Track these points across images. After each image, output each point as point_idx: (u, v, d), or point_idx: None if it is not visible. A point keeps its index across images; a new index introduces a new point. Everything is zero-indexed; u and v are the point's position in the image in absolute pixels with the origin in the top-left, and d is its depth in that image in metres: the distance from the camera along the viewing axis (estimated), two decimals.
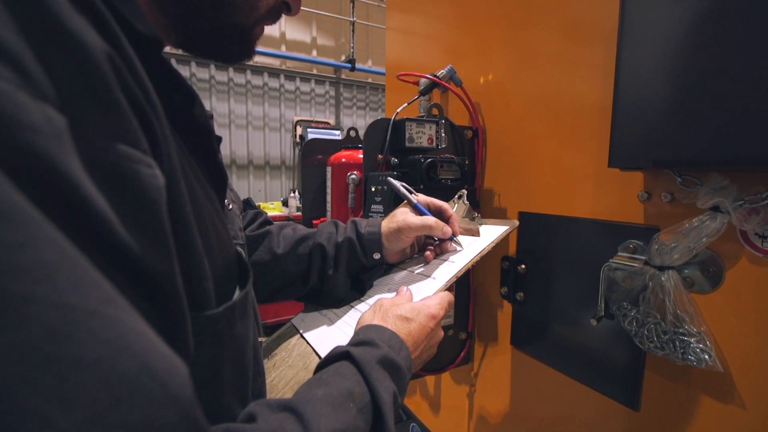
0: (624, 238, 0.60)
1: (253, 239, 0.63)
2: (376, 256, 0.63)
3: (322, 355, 0.52)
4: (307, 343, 0.58)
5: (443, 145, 0.85)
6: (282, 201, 4.04)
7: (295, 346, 0.59)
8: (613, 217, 0.64)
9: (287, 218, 3.55)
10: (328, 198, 1.62)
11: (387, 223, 0.63)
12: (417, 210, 0.64)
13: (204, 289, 0.28)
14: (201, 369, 0.28)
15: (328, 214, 1.60)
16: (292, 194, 3.79)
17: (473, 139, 0.90)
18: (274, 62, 4.30)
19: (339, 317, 0.61)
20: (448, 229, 0.62)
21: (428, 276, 0.60)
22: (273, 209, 3.87)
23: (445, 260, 0.63)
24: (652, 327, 0.53)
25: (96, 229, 0.18)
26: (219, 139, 0.42)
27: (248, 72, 4.16)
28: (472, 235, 0.68)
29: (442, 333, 0.53)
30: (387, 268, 0.68)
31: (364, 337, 0.43)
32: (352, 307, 0.62)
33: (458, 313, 0.91)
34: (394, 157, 0.83)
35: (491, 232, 0.67)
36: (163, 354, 0.19)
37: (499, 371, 0.89)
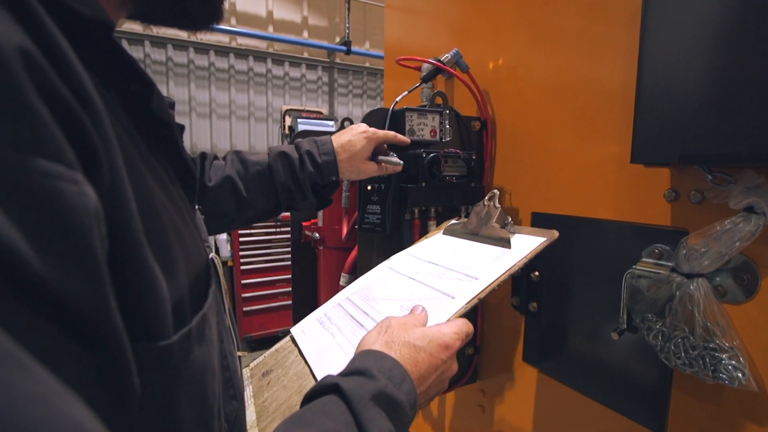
0: (649, 242, 0.60)
1: (216, 192, 0.73)
2: (333, 178, 0.79)
3: (319, 378, 0.51)
4: (305, 362, 0.58)
5: (448, 138, 0.85)
6: None
7: (293, 364, 0.59)
8: (636, 218, 0.64)
9: (275, 219, 3.55)
10: None
11: (343, 156, 0.78)
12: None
13: (159, 316, 0.27)
14: (153, 407, 0.27)
15: (320, 215, 1.61)
16: None
17: (481, 131, 0.90)
18: (260, 45, 4.30)
19: (342, 332, 0.60)
20: (399, 165, 0.78)
21: (446, 294, 0.58)
22: None
23: (467, 275, 0.61)
24: (680, 341, 0.53)
25: (4, 263, 0.16)
26: (181, 127, 0.41)
27: (231, 56, 4.16)
28: (503, 246, 0.65)
29: (456, 367, 0.51)
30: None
31: (360, 365, 0.42)
32: (356, 320, 0.61)
33: None
34: (393, 152, 0.83)
35: (524, 245, 0.63)
36: None
37: (510, 390, 0.89)
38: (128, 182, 0.25)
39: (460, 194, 0.84)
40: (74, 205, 0.19)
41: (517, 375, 0.87)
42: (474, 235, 0.72)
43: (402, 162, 0.80)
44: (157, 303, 0.27)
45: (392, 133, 0.80)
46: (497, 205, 0.71)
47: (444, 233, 0.78)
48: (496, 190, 0.72)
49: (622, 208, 0.67)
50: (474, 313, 0.92)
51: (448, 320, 0.53)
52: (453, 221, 0.80)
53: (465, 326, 0.51)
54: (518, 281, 0.83)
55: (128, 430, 0.24)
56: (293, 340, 0.65)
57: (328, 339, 0.60)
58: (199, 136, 4.05)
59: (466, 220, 0.76)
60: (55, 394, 0.17)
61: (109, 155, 0.23)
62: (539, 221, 0.79)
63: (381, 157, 0.80)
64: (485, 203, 0.73)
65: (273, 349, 0.65)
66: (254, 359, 0.65)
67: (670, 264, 0.56)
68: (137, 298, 0.25)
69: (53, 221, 0.18)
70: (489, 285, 0.57)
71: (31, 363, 0.16)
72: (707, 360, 0.51)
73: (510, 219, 0.70)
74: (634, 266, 0.60)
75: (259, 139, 4.37)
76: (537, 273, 0.79)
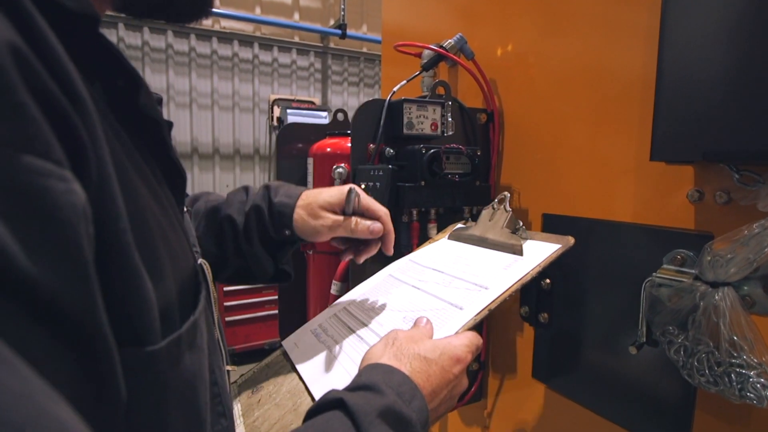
0: (670, 247, 0.60)
1: None
2: (287, 232, 0.64)
3: (317, 396, 0.51)
4: (300, 378, 0.58)
5: (450, 132, 0.85)
6: None
7: (286, 380, 0.59)
8: (657, 221, 0.64)
9: None
10: None
11: (300, 211, 0.64)
12: (346, 202, 0.62)
13: (147, 320, 0.28)
14: (140, 417, 0.28)
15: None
16: None
17: (487, 124, 0.90)
18: (247, 27, 4.30)
19: (340, 346, 0.60)
20: (376, 227, 0.61)
21: (453, 304, 0.59)
22: None
23: (476, 284, 0.61)
24: (704, 357, 0.53)
25: None
26: (170, 124, 0.42)
27: (214, 40, 4.16)
28: (514, 254, 0.65)
29: (467, 382, 0.52)
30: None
31: (366, 379, 0.42)
32: (355, 333, 0.61)
33: None
34: (389, 147, 0.83)
35: (537, 252, 0.63)
36: None
37: (518, 409, 0.89)
38: (116, 181, 0.26)
39: (463, 194, 0.84)
40: (63, 203, 0.20)
41: (525, 393, 0.87)
42: (482, 240, 0.72)
43: (381, 228, 0.62)
44: (144, 307, 0.28)
45: (374, 204, 0.63)
46: (508, 208, 0.71)
47: (449, 238, 0.78)
48: (506, 192, 0.72)
49: (641, 209, 0.67)
50: (479, 324, 0.92)
51: (456, 333, 0.53)
52: (459, 225, 0.80)
53: (476, 339, 0.53)
54: (528, 290, 0.83)
55: None
56: (285, 354, 0.65)
57: (324, 353, 0.60)
58: (179, 128, 4.04)
59: (473, 224, 0.76)
60: (41, 393, 0.18)
61: (97, 153, 0.24)
62: (550, 224, 0.79)
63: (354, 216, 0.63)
64: (494, 206, 0.73)
65: (263, 363, 0.65)
66: (242, 374, 0.65)
67: (693, 271, 0.56)
68: (124, 300, 0.26)
69: (41, 219, 0.20)
70: (500, 295, 0.57)
71: (16, 361, 0.18)
72: (733, 377, 0.51)
73: (522, 224, 0.70)
74: (654, 274, 0.60)
75: (245, 132, 4.37)
76: (548, 281, 0.79)
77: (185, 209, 0.47)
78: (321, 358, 0.60)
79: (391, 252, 0.64)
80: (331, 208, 0.62)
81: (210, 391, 0.39)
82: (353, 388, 0.42)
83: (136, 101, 0.33)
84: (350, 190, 0.61)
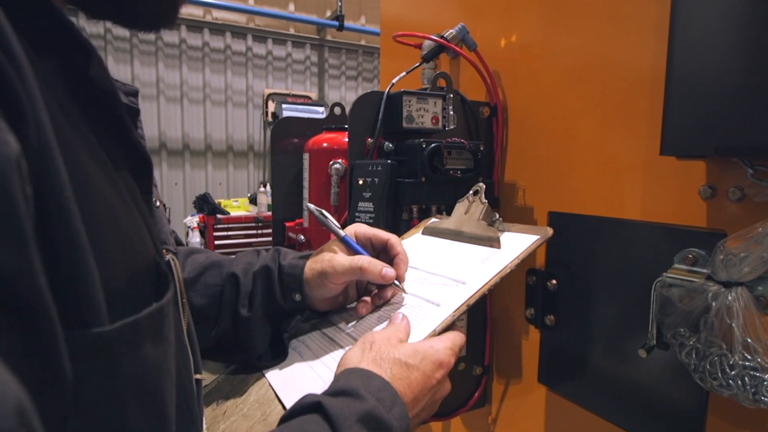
0: (681, 245, 0.60)
1: None
2: (296, 297, 0.61)
3: (288, 404, 0.51)
4: (270, 385, 0.58)
5: (452, 126, 0.85)
6: (249, 197, 4.04)
7: (254, 388, 0.59)
8: (667, 218, 0.64)
9: (255, 219, 3.55)
10: (306, 194, 1.62)
11: (311, 263, 0.61)
12: (349, 247, 0.62)
13: (90, 299, 0.28)
14: (93, 403, 0.28)
15: (305, 214, 1.61)
16: (262, 188, 3.78)
17: (491, 118, 0.90)
18: (240, 19, 4.30)
19: (312, 352, 0.60)
20: (389, 272, 0.58)
21: (430, 301, 0.59)
22: (237, 208, 3.87)
23: (453, 279, 0.62)
24: (716, 360, 0.53)
25: None
26: (135, 111, 0.42)
27: (206, 31, 4.16)
28: (491, 247, 0.67)
29: (450, 386, 0.52)
30: (313, 318, 0.65)
31: (345, 384, 0.42)
32: (327, 336, 0.61)
33: (471, 342, 0.91)
34: (388, 142, 0.83)
35: (516, 244, 0.65)
36: None
37: (524, 416, 0.89)
38: (58, 152, 0.25)
39: (465, 191, 0.84)
40: None
41: (531, 398, 0.87)
42: (458, 234, 0.72)
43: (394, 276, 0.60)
44: (88, 283, 0.27)
45: (360, 263, 0.59)
46: (483, 200, 0.71)
47: (423, 233, 0.79)
48: (482, 183, 0.73)
49: (650, 206, 0.67)
50: (482, 327, 0.93)
51: (434, 330, 0.53)
52: (434, 219, 0.81)
53: (459, 339, 0.53)
54: (533, 291, 0.83)
55: (60, 422, 0.25)
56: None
57: (295, 358, 0.60)
58: (169, 122, 4.04)
59: (447, 217, 0.77)
60: None
61: (36, 117, 0.24)
62: (557, 222, 0.79)
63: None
64: (469, 198, 0.73)
65: (228, 371, 0.65)
66: (206, 385, 0.65)
67: (705, 271, 0.56)
68: (67, 273, 0.26)
69: None
70: (478, 290, 0.57)
71: None
72: (747, 381, 0.51)
73: (498, 216, 0.71)
74: (664, 273, 0.60)
75: (238, 127, 4.37)
76: (555, 281, 0.79)
77: (159, 202, 0.47)
78: (293, 364, 0.59)
79: (403, 276, 0.62)
80: (337, 277, 0.59)
81: (180, 390, 0.39)
82: (331, 393, 0.42)
83: (86, 72, 0.32)
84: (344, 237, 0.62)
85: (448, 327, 0.54)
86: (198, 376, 0.45)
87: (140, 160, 0.39)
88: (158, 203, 0.47)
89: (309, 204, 0.67)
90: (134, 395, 0.31)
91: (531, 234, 0.66)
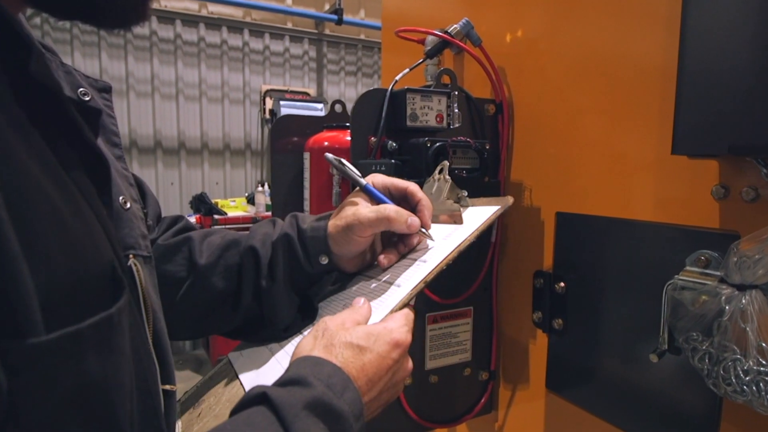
0: (693, 247, 0.60)
1: (167, 249, 0.63)
2: (323, 260, 0.62)
3: None
4: (241, 384, 0.58)
5: (457, 125, 0.85)
6: (247, 197, 4.04)
7: (226, 389, 0.59)
8: (679, 219, 0.64)
9: (253, 219, 3.55)
10: (306, 194, 1.62)
11: (335, 221, 0.61)
12: (372, 197, 0.62)
13: (24, 308, 0.27)
14: (28, 415, 0.28)
15: (306, 211, 1.61)
16: (260, 188, 3.78)
17: (496, 116, 0.90)
18: (236, 13, 4.30)
19: (280, 344, 0.61)
20: (414, 221, 0.60)
21: (391, 283, 0.59)
22: (235, 208, 3.87)
23: (416, 259, 0.62)
24: (730, 365, 0.53)
25: None
26: (96, 112, 0.42)
27: (201, 26, 4.16)
28: (455, 223, 0.67)
29: (411, 365, 0.53)
30: (342, 279, 0.67)
31: (294, 373, 0.43)
32: (301, 333, 0.62)
33: (477, 347, 0.92)
34: (392, 141, 0.83)
35: (476, 217, 0.65)
36: None
37: (531, 422, 0.89)
38: None
39: (471, 191, 0.84)
40: None
41: (538, 404, 0.87)
42: None
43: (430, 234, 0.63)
44: (21, 291, 0.27)
45: (387, 213, 0.59)
46: (447, 177, 0.71)
47: None
48: (445, 161, 0.72)
49: (661, 207, 0.67)
50: (488, 331, 0.93)
51: (391, 310, 0.53)
52: None
53: (410, 315, 0.53)
54: (540, 294, 0.84)
55: None
56: (229, 363, 0.65)
57: (265, 355, 0.61)
58: (164, 120, 4.04)
59: None
60: None
61: None
62: (565, 223, 0.79)
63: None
64: (435, 177, 0.73)
65: (207, 376, 0.66)
66: (186, 392, 0.66)
67: (718, 273, 0.56)
68: None
69: None
70: (436, 266, 0.57)
71: None
72: (762, 386, 0.51)
73: (465, 192, 0.71)
74: (676, 276, 0.60)
75: (235, 125, 4.37)
76: (563, 284, 0.79)
77: (126, 203, 0.46)
78: (261, 360, 0.60)
79: (428, 224, 0.63)
80: (363, 229, 0.59)
81: (141, 403, 0.39)
82: (280, 383, 0.42)
83: (26, 68, 0.32)
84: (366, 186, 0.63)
85: (405, 306, 0.54)
86: (167, 387, 0.45)
87: (96, 161, 0.39)
88: (129, 204, 0.47)
89: (327, 154, 0.67)
90: (76, 408, 0.31)
91: (492, 206, 0.67)
